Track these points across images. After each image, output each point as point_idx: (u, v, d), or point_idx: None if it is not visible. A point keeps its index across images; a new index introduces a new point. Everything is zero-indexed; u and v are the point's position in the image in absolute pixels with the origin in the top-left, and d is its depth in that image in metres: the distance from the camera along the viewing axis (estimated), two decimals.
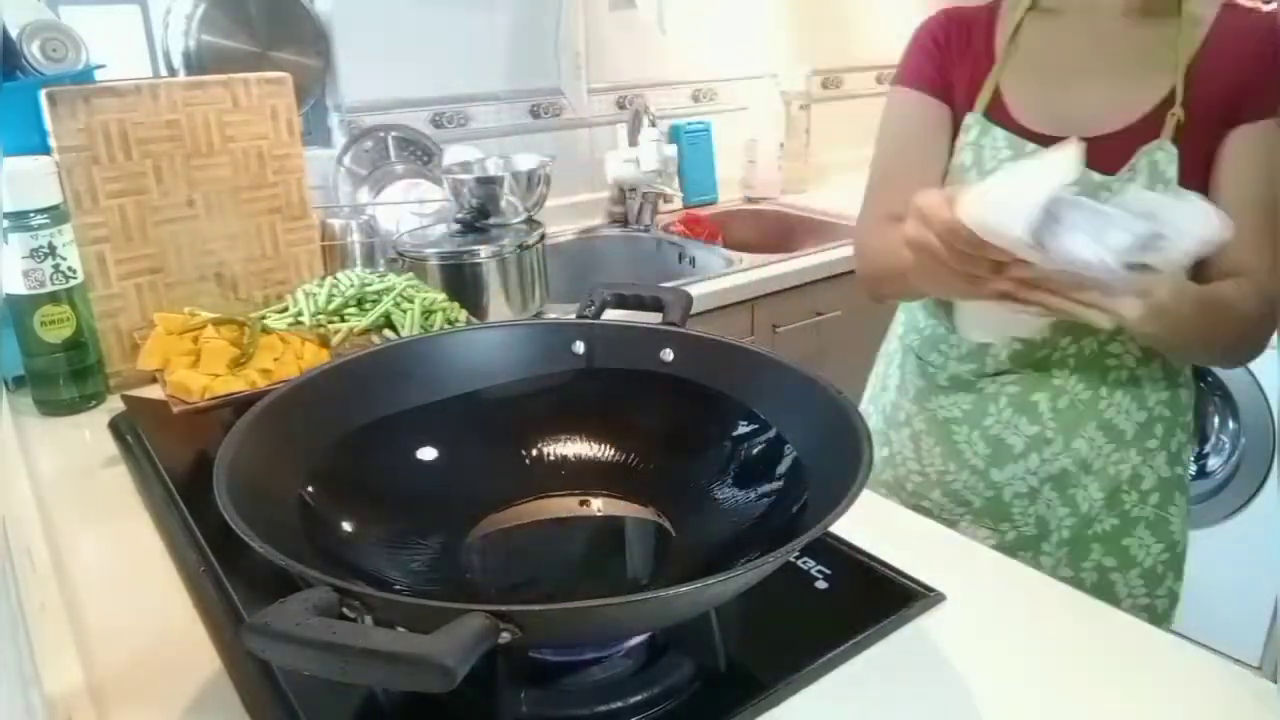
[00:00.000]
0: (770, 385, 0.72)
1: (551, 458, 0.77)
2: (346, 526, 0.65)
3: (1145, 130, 0.86)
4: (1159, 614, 0.98)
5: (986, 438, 0.96)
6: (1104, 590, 0.96)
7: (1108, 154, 0.86)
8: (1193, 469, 0.97)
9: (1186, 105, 0.85)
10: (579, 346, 0.79)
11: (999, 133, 0.92)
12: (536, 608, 0.46)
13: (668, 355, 0.77)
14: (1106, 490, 0.94)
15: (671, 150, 2.01)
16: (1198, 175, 0.85)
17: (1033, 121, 0.92)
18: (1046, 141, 0.88)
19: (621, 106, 2.15)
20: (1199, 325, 0.78)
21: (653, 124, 2.02)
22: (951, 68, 0.98)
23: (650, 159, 1.97)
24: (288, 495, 0.62)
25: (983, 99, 0.94)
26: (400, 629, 0.44)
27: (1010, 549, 0.96)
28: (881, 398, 1.10)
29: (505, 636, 0.44)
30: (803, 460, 0.67)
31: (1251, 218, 0.82)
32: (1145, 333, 0.78)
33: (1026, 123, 0.92)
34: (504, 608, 0.44)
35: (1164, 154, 0.85)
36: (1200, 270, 0.81)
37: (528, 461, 0.77)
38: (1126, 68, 0.89)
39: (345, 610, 0.45)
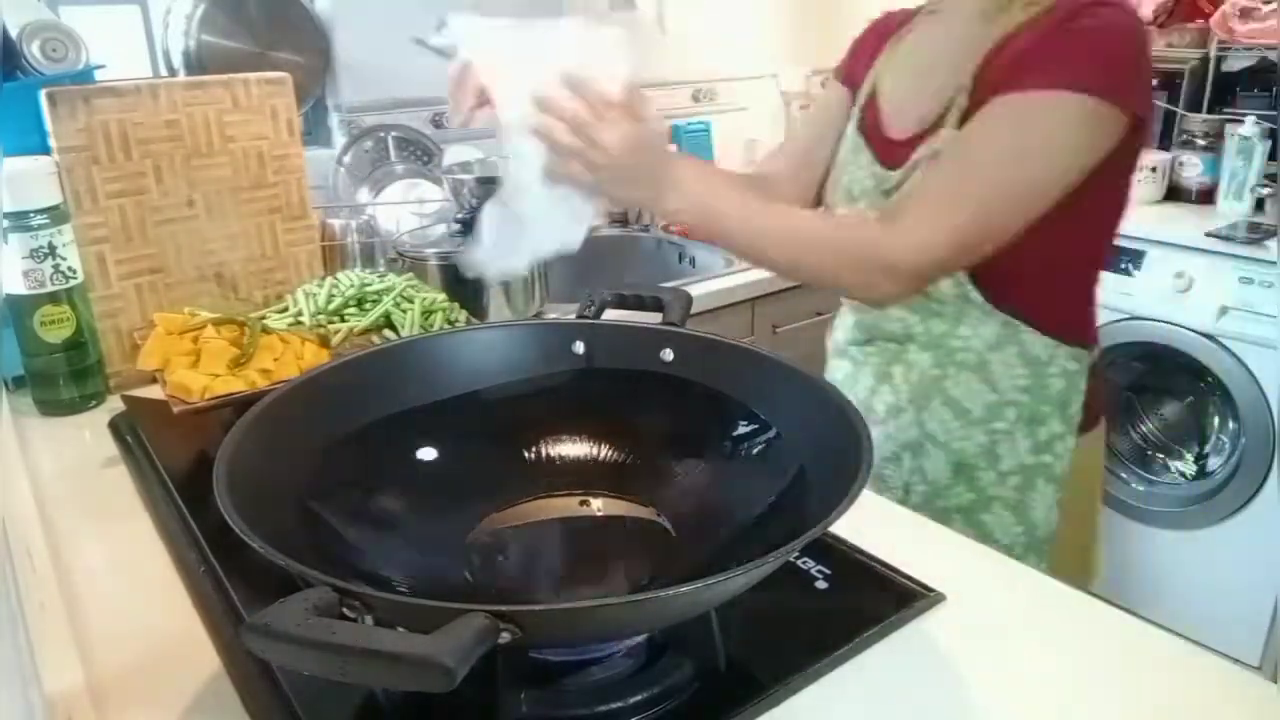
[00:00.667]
0: (770, 385, 0.72)
1: (551, 458, 0.77)
2: (346, 527, 0.65)
3: (936, 126, 0.90)
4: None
5: (859, 402, 0.99)
6: None
7: (899, 151, 0.94)
8: (1065, 459, 0.97)
9: (972, 95, 0.87)
10: (579, 346, 0.79)
11: (850, 130, 1.01)
12: (536, 608, 0.47)
13: (668, 355, 0.77)
14: (951, 464, 0.99)
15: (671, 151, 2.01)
16: None
17: (887, 122, 0.98)
18: (874, 137, 0.98)
19: None
20: (742, 224, 0.86)
21: None
22: (861, 65, 1.05)
23: None
24: (288, 495, 0.62)
25: (855, 110, 1.02)
26: (400, 629, 0.44)
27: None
28: None
29: (505, 636, 0.44)
30: (803, 460, 0.67)
31: (943, 172, 0.86)
32: (673, 210, 0.86)
33: (883, 122, 0.98)
34: (504, 608, 0.44)
35: (948, 139, 0.88)
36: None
37: (528, 461, 0.77)
38: (952, 64, 0.91)
39: (345, 610, 0.45)
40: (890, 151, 0.95)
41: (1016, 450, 0.97)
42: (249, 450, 0.60)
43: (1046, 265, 0.90)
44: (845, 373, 1.07)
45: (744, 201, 0.88)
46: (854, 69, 1.07)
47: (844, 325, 1.08)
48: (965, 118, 0.87)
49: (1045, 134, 0.82)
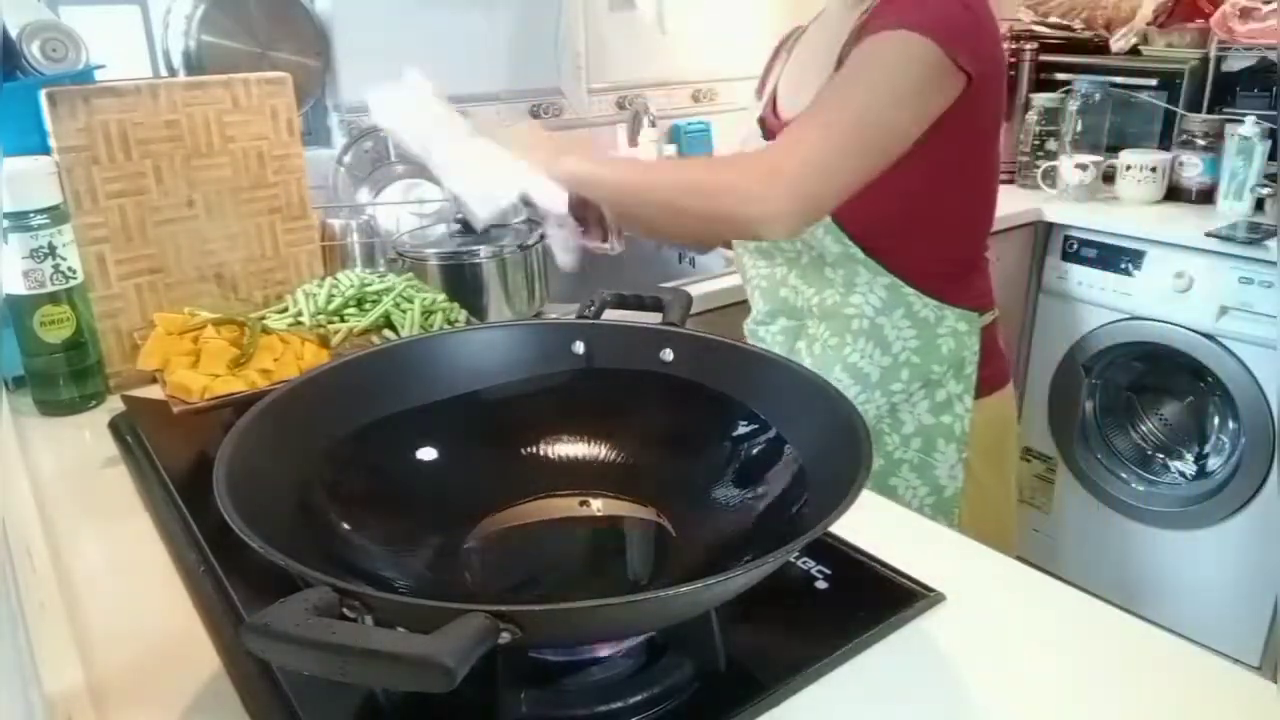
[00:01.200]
0: (770, 385, 0.72)
1: (551, 458, 0.77)
2: (346, 526, 0.65)
3: None
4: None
5: None
6: None
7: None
8: (964, 419, 1.02)
9: (838, 66, 0.92)
10: (579, 346, 0.79)
11: (754, 129, 1.08)
12: (536, 608, 0.46)
13: (668, 355, 0.77)
14: None
15: (671, 150, 2.01)
16: None
17: (784, 114, 1.05)
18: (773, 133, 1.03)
19: (621, 107, 2.15)
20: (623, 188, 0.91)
21: (653, 124, 2.02)
22: (770, 77, 1.13)
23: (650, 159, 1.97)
24: (288, 495, 0.62)
25: (762, 105, 1.09)
26: (400, 629, 0.44)
27: None
28: None
29: (505, 637, 0.43)
30: (803, 460, 0.67)
31: (808, 109, 0.89)
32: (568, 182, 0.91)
33: (785, 115, 1.04)
34: (504, 608, 0.43)
35: None
36: None
37: (527, 462, 0.77)
38: (828, 54, 0.97)
39: (345, 610, 0.45)
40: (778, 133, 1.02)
41: (916, 412, 1.02)
42: (249, 450, 0.60)
43: (924, 227, 0.97)
44: None
45: (629, 164, 0.95)
46: (765, 83, 1.14)
47: (754, 308, 1.15)
48: None
49: (889, 66, 0.86)
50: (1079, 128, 2.10)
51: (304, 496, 0.63)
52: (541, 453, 0.77)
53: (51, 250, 1.02)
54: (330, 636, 0.41)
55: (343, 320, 1.07)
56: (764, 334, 1.12)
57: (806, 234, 0.98)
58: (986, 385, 1.03)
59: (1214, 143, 1.99)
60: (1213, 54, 2.03)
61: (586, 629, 0.54)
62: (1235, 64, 2.03)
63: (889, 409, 1.03)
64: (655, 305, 0.81)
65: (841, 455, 0.60)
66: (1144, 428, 2.10)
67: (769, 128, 1.06)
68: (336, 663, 0.41)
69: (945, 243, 1.02)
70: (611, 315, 0.82)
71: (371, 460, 0.71)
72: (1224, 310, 1.78)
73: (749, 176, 0.85)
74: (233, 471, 0.56)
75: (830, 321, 1.03)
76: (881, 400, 1.02)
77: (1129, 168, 2.05)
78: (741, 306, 1.74)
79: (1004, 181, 2.17)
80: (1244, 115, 1.93)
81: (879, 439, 1.03)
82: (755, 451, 0.71)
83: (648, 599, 0.53)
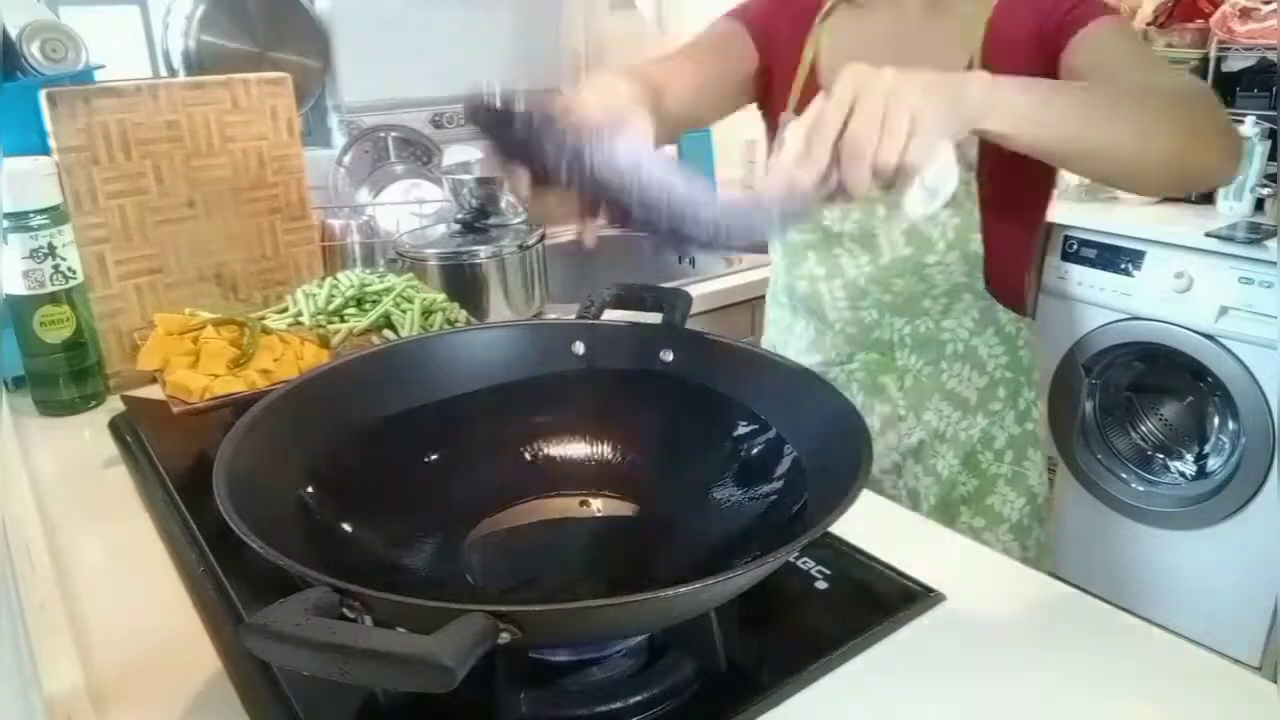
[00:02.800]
0: (770, 385, 0.72)
1: (551, 458, 0.77)
2: (346, 526, 0.65)
3: None
4: (1034, 562, 1.03)
5: None
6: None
7: None
8: (1037, 421, 1.04)
9: (984, 64, 0.87)
10: (579, 347, 0.79)
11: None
12: (536, 608, 0.46)
13: (667, 355, 0.77)
14: (960, 455, 1.01)
15: (671, 151, 2.01)
16: (996, 150, 0.76)
17: None
18: None
19: None
20: (1085, 115, 0.71)
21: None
22: (774, 46, 1.01)
23: None
24: (288, 495, 0.62)
25: (793, 97, 1.00)
26: (400, 629, 0.44)
27: None
28: None
29: (505, 637, 0.43)
30: (803, 460, 0.67)
31: (1129, 73, 0.81)
32: (1015, 135, 0.68)
33: None
34: (504, 608, 0.43)
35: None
36: None
37: (528, 462, 0.77)
38: (923, 62, 0.85)
39: (345, 610, 0.45)
40: None
41: (1006, 427, 1.01)
42: (248, 450, 0.60)
43: (1017, 241, 0.96)
44: None
45: (1062, 86, 0.76)
46: (767, 24, 1.01)
47: (816, 349, 1.04)
48: None
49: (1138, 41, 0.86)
50: None
51: (304, 496, 0.63)
52: (541, 453, 0.77)
53: (51, 250, 1.02)
54: (330, 636, 0.41)
55: (343, 320, 1.07)
56: (835, 374, 1.04)
57: (939, 262, 0.93)
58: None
59: None
60: (1213, 54, 2.03)
61: (586, 629, 0.54)
62: (1235, 64, 2.03)
63: (985, 428, 1.00)
64: (655, 305, 0.81)
65: (841, 455, 0.60)
66: (1144, 428, 2.10)
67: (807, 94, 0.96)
68: (336, 662, 0.41)
69: (1027, 254, 1.01)
70: (611, 315, 0.82)
71: (371, 461, 0.70)
72: (1224, 310, 1.78)
73: (1221, 114, 0.78)
74: (232, 472, 0.56)
75: (922, 350, 0.99)
76: (984, 421, 1.00)
77: None
78: (742, 306, 1.75)
79: None
80: (1244, 115, 1.93)
81: (972, 459, 1.00)
82: (755, 451, 0.71)
83: (648, 599, 0.53)
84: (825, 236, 0.99)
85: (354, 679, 0.42)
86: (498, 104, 0.66)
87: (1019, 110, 0.67)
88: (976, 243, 0.93)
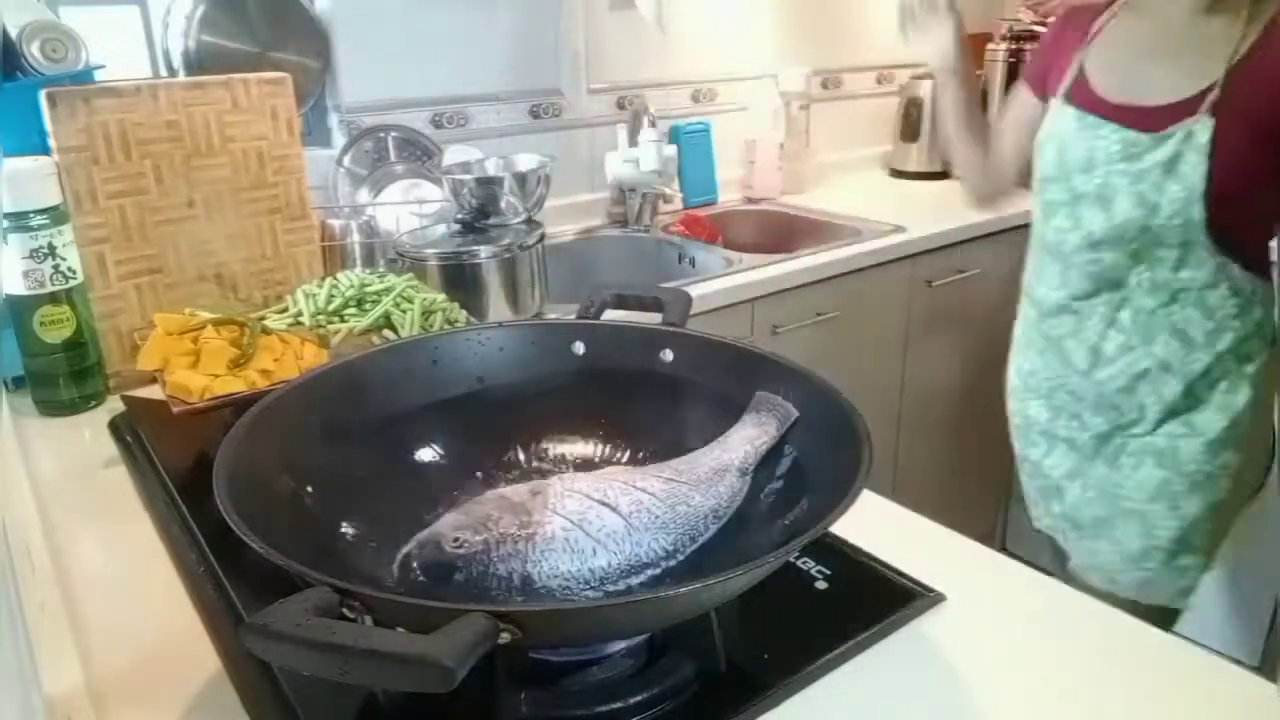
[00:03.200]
0: (770, 385, 0.72)
1: (552, 458, 0.77)
2: (346, 527, 0.65)
3: (1190, 105, 1.06)
4: (1214, 483, 1.17)
5: (1087, 347, 1.20)
6: (1170, 454, 1.17)
7: (1156, 119, 1.08)
8: (1262, 371, 1.16)
9: (1226, 92, 1.04)
10: (579, 347, 0.79)
11: (1069, 110, 1.17)
12: (536, 608, 0.47)
13: (667, 355, 0.77)
14: (1184, 383, 1.15)
15: (671, 151, 2.01)
16: (1236, 150, 1.03)
17: (1107, 93, 1.14)
18: (1115, 111, 1.12)
19: (622, 107, 2.15)
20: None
21: (653, 124, 2.02)
22: (1053, 60, 1.25)
23: (650, 159, 1.97)
24: (287, 495, 0.62)
25: (1065, 84, 1.20)
26: (400, 629, 0.44)
27: (1113, 431, 1.21)
28: (1019, 324, 1.36)
29: (505, 637, 0.43)
30: (802, 460, 0.67)
31: None
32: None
33: (1102, 93, 1.14)
34: (504, 608, 0.44)
35: (1200, 125, 1.04)
36: None
37: (528, 462, 0.77)
38: (1186, 52, 1.09)
39: (345, 611, 0.45)
40: (1139, 119, 1.10)
41: (1226, 364, 1.14)
42: (249, 450, 0.60)
43: (1250, 212, 1.09)
44: (1069, 326, 1.22)
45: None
46: (1047, 71, 1.26)
47: (1063, 285, 1.22)
48: (1217, 106, 1.04)
49: None
50: None
51: (304, 497, 0.63)
52: (541, 453, 0.77)
53: (51, 250, 1.02)
54: (330, 636, 0.41)
55: (342, 320, 1.07)
56: (1079, 306, 1.21)
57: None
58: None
59: None
60: None
61: (586, 629, 0.54)
62: None
63: (1209, 364, 1.14)
64: (655, 305, 0.81)
65: (841, 456, 0.60)
66: None
67: (1096, 109, 1.15)
68: (336, 663, 0.41)
69: (1269, 223, 1.13)
70: (611, 315, 0.82)
71: (371, 461, 0.71)
72: None
73: None
74: (232, 472, 0.56)
75: (1156, 292, 1.13)
76: (1207, 358, 1.13)
77: None
78: (742, 306, 1.75)
79: None
80: None
81: (1192, 388, 1.15)
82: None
83: (647, 599, 0.53)
84: (1073, 196, 1.16)
85: (354, 679, 0.42)
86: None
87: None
88: (1199, 210, 1.06)
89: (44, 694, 0.60)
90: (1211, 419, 1.16)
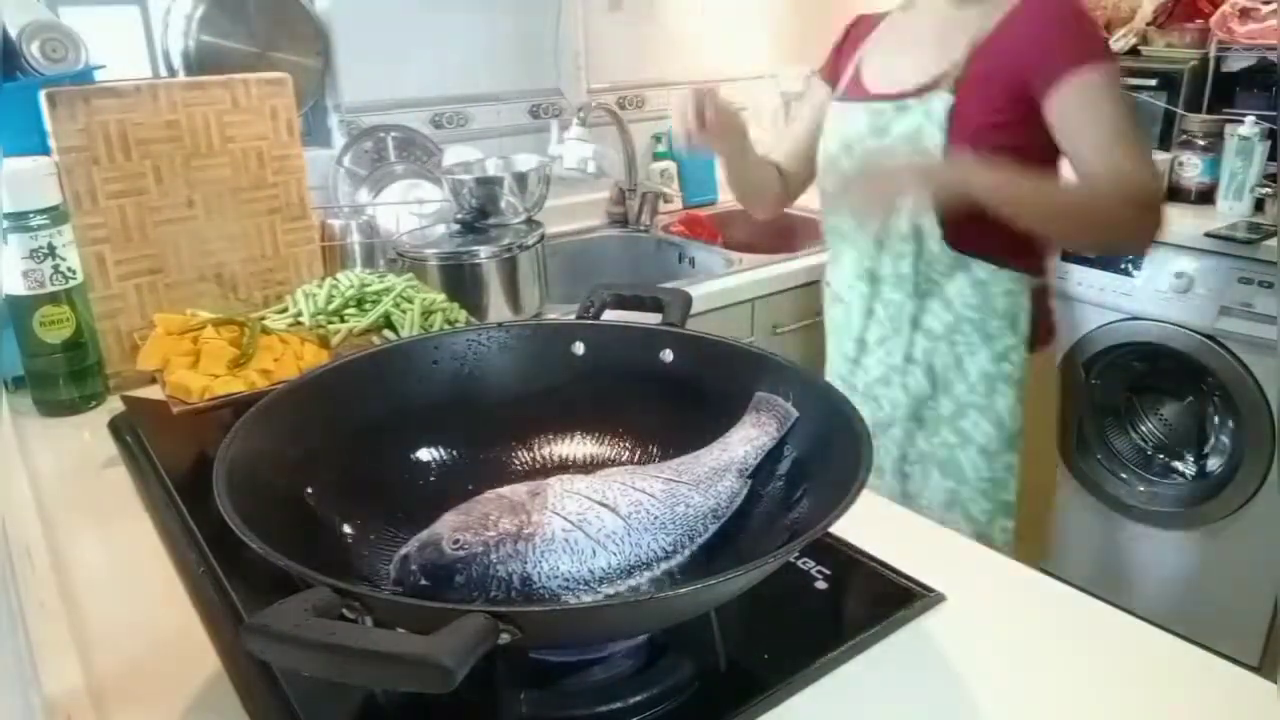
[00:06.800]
0: (770, 385, 0.72)
1: (551, 458, 0.77)
2: (346, 527, 0.65)
3: (933, 84, 1.12)
4: (999, 485, 1.21)
5: (854, 338, 1.28)
6: (953, 465, 1.23)
7: (902, 99, 1.14)
8: (1021, 367, 1.20)
9: (966, 71, 1.09)
10: (579, 347, 0.79)
11: (835, 104, 1.25)
12: (536, 608, 0.46)
13: (668, 355, 0.77)
14: (929, 377, 1.21)
15: (588, 150, 1.91)
16: (974, 118, 1.08)
17: (874, 85, 1.20)
18: (869, 96, 1.18)
19: (622, 106, 2.15)
20: (1031, 208, 1.06)
21: (583, 124, 1.93)
22: (844, 59, 1.29)
23: (570, 158, 1.89)
24: (287, 495, 0.62)
25: (842, 84, 1.26)
26: (400, 630, 0.44)
27: (877, 424, 1.26)
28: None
29: (505, 637, 0.43)
30: (803, 460, 0.67)
31: (1091, 145, 1.06)
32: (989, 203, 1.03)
33: (869, 85, 1.20)
34: (504, 609, 0.44)
35: (939, 99, 1.10)
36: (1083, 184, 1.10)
37: (527, 462, 0.77)
38: (937, 39, 1.14)
39: (345, 611, 0.45)
40: (888, 100, 1.16)
41: (979, 361, 1.18)
42: (248, 450, 0.60)
43: (976, 214, 1.08)
44: (837, 320, 1.32)
45: (1034, 186, 1.07)
46: (838, 65, 1.30)
47: (838, 273, 1.30)
48: (958, 83, 1.09)
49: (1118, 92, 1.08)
50: None
51: (304, 497, 0.63)
52: (542, 453, 0.77)
53: (51, 250, 1.02)
54: (330, 637, 0.41)
55: (343, 320, 1.07)
56: (852, 300, 1.27)
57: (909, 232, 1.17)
58: (1037, 340, 1.19)
59: (1214, 143, 1.99)
60: (1212, 54, 2.03)
61: (586, 630, 0.54)
62: (1235, 64, 2.02)
63: (954, 360, 1.19)
64: (655, 305, 0.81)
65: (841, 456, 0.60)
66: (1144, 428, 2.10)
67: (853, 95, 1.22)
68: (337, 664, 0.41)
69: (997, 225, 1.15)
70: (611, 315, 0.82)
71: (371, 461, 0.71)
72: (1224, 310, 1.78)
73: (1149, 207, 1.05)
74: (232, 471, 0.56)
75: (901, 285, 1.20)
76: (946, 350, 1.19)
77: None
78: (742, 306, 1.75)
79: None
80: (1244, 115, 1.93)
81: (949, 385, 1.20)
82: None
83: (648, 600, 0.53)
84: (841, 180, 1.21)
85: (354, 679, 0.42)
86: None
87: (984, 194, 1.03)
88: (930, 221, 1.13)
89: (44, 694, 0.60)
90: (981, 426, 1.20)
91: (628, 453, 0.77)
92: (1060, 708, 0.60)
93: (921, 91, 1.12)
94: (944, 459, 1.24)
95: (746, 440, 0.69)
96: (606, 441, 0.78)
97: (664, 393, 0.77)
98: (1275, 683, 0.60)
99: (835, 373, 1.35)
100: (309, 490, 0.64)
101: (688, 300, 0.81)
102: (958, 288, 1.16)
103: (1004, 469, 1.21)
